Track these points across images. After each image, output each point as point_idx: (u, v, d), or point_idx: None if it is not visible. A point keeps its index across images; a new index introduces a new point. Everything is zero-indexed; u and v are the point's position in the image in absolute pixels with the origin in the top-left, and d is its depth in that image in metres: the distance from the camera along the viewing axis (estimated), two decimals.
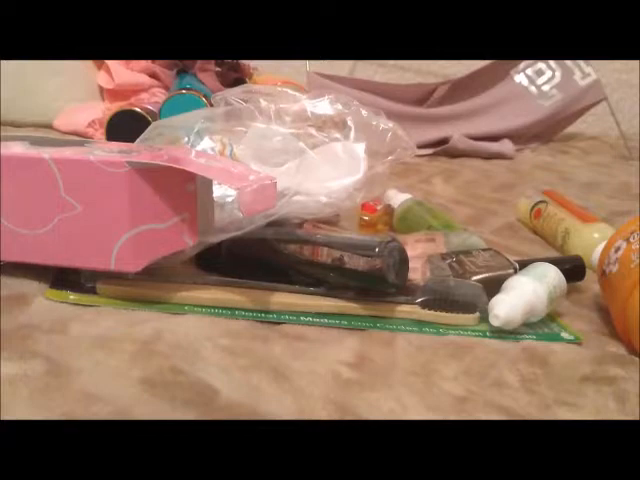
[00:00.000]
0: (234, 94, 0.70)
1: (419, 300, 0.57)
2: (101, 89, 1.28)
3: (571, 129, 1.64)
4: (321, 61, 1.43)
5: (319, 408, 0.43)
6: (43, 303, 0.52)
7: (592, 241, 0.73)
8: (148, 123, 0.83)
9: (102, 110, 1.17)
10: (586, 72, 1.53)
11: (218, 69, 1.26)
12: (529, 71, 1.55)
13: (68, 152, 0.53)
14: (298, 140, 0.67)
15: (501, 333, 0.55)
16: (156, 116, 1.08)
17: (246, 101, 0.69)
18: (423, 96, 1.53)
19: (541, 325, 0.57)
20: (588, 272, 0.67)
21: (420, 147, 1.31)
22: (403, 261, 0.56)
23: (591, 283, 0.67)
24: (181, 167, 0.52)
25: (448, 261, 0.61)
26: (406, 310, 0.57)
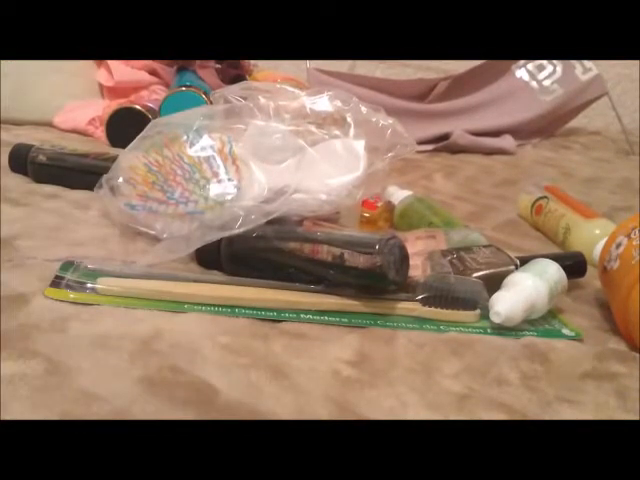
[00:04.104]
0: (233, 92, 0.70)
1: (420, 297, 0.57)
2: (101, 86, 1.28)
3: (572, 124, 1.64)
4: None
5: (319, 406, 0.43)
6: (42, 302, 0.52)
7: (593, 237, 0.73)
8: (148, 120, 0.83)
9: (102, 108, 1.17)
10: (587, 67, 1.52)
11: (218, 66, 1.25)
12: (530, 66, 1.54)
13: None
14: (297, 137, 0.67)
15: (502, 330, 0.55)
16: (156, 113, 1.08)
17: (245, 98, 0.69)
18: (424, 92, 1.53)
19: (542, 321, 0.57)
20: (589, 268, 0.67)
21: (420, 143, 1.30)
22: (403, 258, 0.56)
23: (592, 279, 0.66)
24: None
25: (449, 258, 0.61)
26: (407, 307, 0.57)
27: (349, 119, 0.68)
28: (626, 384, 0.49)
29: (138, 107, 1.08)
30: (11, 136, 1.05)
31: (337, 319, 0.54)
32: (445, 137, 1.38)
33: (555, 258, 0.60)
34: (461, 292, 0.56)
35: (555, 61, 1.54)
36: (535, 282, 0.56)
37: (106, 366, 0.45)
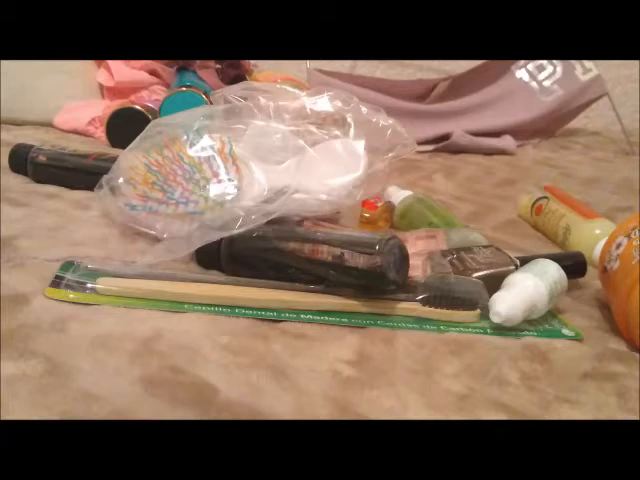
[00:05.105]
0: (233, 92, 0.70)
1: (420, 297, 0.57)
2: (101, 87, 1.28)
3: (572, 124, 1.64)
4: None
5: (319, 406, 0.43)
6: (43, 302, 0.52)
7: (593, 237, 0.73)
8: (148, 121, 0.83)
9: (102, 108, 1.17)
10: (587, 67, 1.52)
11: (218, 66, 1.26)
12: (530, 66, 1.54)
13: None
14: (298, 137, 0.67)
15: (502, 330, 0.55)
16: (156, 114, 1.08)
17: (245, 99, 0.69)
18: (424, 92, 1.53)
19: (542, 322, 0.57)
20: (589, 268, 0.67)
21: (421, 143, 1.30)
22: (403, 258, 0.56)
23: (592, 279, 0.66)
24: None
25: (449, 258, 0.61)
26: (407, 307, 0.57)
27: (349, 119, 0.68)
28: (626, 384, 0.49)
29: (138, 107, 1.08)
30: (11, 136, 1.05)
31: (337, 319, 0.54)
32: (445, 137, 1.38)
33: (555, 258, 0.60)
34: (461, 292, 0.56)
35: (555, 61, 1.54)
36: (535, 282, 0.56)
37: (106, 366, 0.45)
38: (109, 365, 0.45)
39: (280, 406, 0.42)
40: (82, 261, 0.59)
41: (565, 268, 0.59)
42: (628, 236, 0.57)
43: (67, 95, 1.23)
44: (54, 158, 0.83)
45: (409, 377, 0.47)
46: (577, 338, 0.55)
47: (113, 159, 0.71)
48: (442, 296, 0.56)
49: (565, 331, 0.56)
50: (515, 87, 1.53)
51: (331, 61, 1.51)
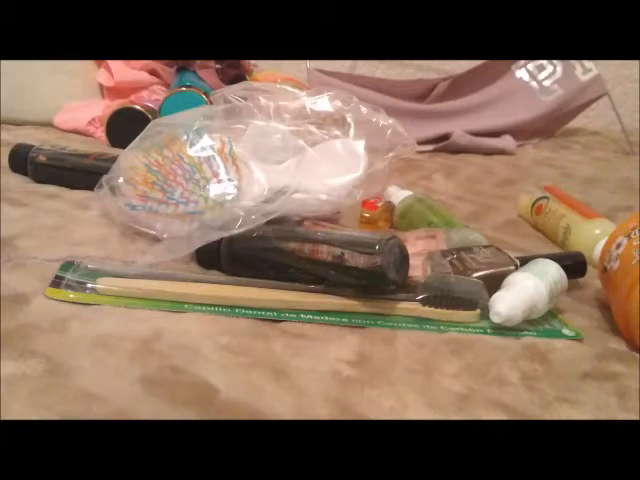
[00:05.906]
0: (233, 92, 0.70)
1: (420, 297, 0.57)
2: (101, 87, 1.28)
3: (572, 124, 1.64)
4: None
5: (319, 406, 0.43)
6: (43, 302, 0.52)
7: (593, 237, 0.73)
8: (148, 120, 0.83)
9: (102, 108, 1.17)
10: (587, 67, 1.52)
11: (218, 66, 1.26)
12: (530, 66, 1.55)
13: None
14: (297, 137, 0.67)
15: (502, 330, 0.55)
16: (156, 113, 1.08)
17: (245, 99, 0.69)
18: (424, 92, 1.53)
19: (542, 322, 0.57)
20: (589, 268, 0.67)
21: (421, 143, 1.30)
22: (403, 258, 0.56)
23: (592, 279, 0.66)
24: None
25: (449, 258, 0.61)
26: (407, 307, 0.57)
27: (349, 119, 0.68)
28: (626, 384, 0.49)
29: (138, 107, 1.08)
30: (11, 136, 1.05)
31: (337, 319, 0.54)
32: (445, 137, 1.38)
33: (555, 258, 0.60)
34: (461, 292, 0.56)
35: (555, 61, 1.54)
36: (535, 282, 0.56)
37: (106, 366, 0.45)
38: (109, 365, 0.45)
39: (280, 406, 0.42)
40: (82, 261, 0.59)
41: (565, 268, 0.59)
42: (628, 236, 0.57)
43: (67, 95, 1.23)
44: (54, 158, 0.83)
45: (409, 377, 0.47)
46: (577, 338, 0.55)
47: (113, 159, 0.71)
48: (442, 296, 0.56)
49: (565, 331, 0.56)
50: (515, 87, 1.53)
51: (331, 61, 1.51)
